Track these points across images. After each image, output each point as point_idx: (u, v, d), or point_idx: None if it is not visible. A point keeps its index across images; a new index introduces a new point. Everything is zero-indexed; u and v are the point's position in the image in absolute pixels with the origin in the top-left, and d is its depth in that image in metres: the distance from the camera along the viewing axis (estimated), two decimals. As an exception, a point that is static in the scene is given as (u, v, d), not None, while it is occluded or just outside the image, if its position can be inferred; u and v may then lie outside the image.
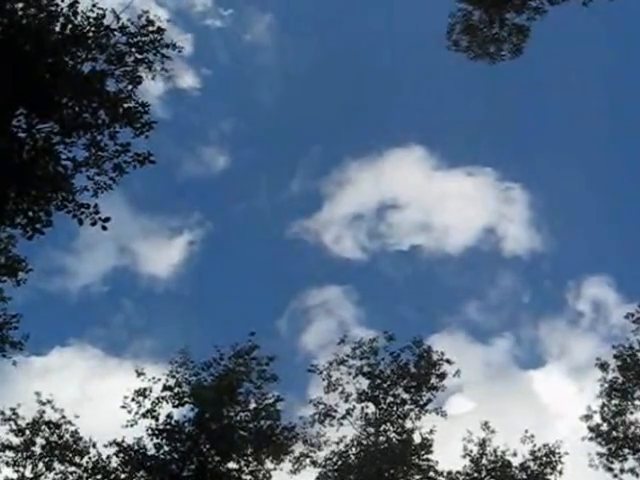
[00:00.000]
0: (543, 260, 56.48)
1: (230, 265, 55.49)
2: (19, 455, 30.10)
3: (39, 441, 30.21)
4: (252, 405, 29.92)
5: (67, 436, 30.14)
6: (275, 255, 55.71)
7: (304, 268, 55.24)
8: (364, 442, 32.33)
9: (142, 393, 29.59)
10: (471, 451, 32.08)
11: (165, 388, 29.67)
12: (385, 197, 56.21)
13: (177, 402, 29.54)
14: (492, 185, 55.91)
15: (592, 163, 59.18)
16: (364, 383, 33.47)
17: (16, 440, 30.22)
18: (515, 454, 32.06)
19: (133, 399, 29.46)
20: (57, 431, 30.20)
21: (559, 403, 40.64)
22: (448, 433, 33.06)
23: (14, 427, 30.27)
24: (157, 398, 29.54)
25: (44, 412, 30.51)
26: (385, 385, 33.27)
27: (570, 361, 48.67)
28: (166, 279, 54.91)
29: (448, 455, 32.40)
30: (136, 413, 29.30)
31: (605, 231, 56.73)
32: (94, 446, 29.87)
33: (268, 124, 58.76)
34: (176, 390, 29.65)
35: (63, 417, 30.46)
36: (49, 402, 30.65)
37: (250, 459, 29.41)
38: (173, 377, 29.90)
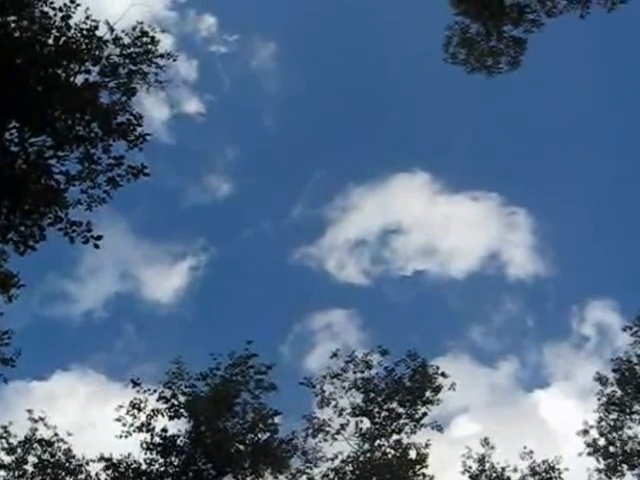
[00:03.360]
0: (547, 284, 56.47)
1: (233, 291, 55.29)
2: (11, 474, 29.57)
3: (31, 459, 29.76)
4: (249, 417, 29.52)
5: (59, 454, 29.70)
6: (278, 281, 55.58)
7: (307, 294, 55.02)
8: (360, 458, 31.94)
9: (137, 406, 29.23)
10: (470, 467, 31.83)
11: (160, 398, 29.28)
12: (389, 222, 56.14)
13: (172, 414, 29.15)
14: (496, 210, 55.88)
15: (597, 187, 59.20)
16: (358, 397, 33.23)
17: (8, 459, 29.77)
18: (515, 470, 31.84)
19: (128, 411, 29.09)
20: (49, 449, 29.74)
21: (564, 426, 40.62)
22: (454, 456, 32.87)
23: (6, 445, 29.86)
24: (152, 410, 29.12)
25: (36, 430, 30.13)
26: (379, 399, 32.94)
27: (575, 384, 48.65)
28: (168, 304, 54.61)
29: (453, 478, 32.21)
30: (131, 425, 28.93)
31: (609, 255, 56.70)
32: (87, 463, 29.49)
33: (272, 150, 58.80)
34: (172, 402, 29.25)
35: (55, 435, 30.03)
36: (41, 419, 30.28)
37: (247, 473, 28.96)
38: (169, 388, 29.53)
